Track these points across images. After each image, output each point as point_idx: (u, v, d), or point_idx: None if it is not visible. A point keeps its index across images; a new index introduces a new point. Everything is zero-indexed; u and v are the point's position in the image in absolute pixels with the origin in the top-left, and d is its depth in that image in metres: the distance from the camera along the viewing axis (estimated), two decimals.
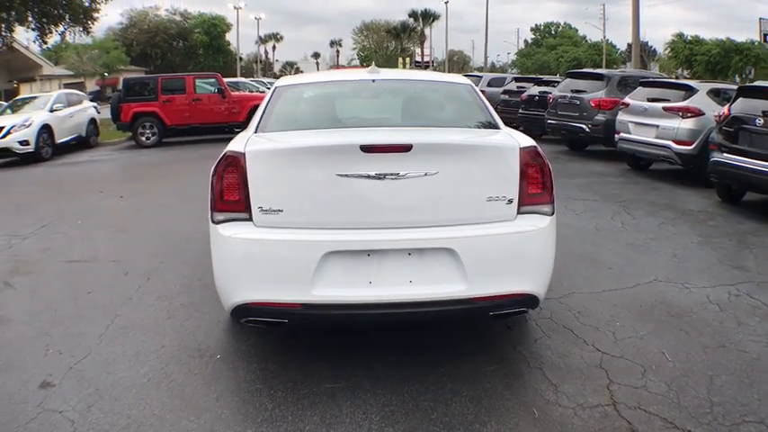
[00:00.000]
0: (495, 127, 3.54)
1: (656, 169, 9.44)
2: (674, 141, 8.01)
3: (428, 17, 63.53)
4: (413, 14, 64.55)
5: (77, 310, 4.28)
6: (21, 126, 13.11)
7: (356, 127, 3.63)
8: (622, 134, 9.10)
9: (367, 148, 2.88)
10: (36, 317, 4.16)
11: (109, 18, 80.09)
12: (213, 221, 3.05)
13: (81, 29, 22.49)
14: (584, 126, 10.88)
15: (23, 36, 23.66)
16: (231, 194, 2.98)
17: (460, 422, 2.77)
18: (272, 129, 3.45)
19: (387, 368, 3.27)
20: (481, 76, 19.92)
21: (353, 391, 3.03)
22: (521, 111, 14.10)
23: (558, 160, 10.87)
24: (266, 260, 2.93)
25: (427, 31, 64.81)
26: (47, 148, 13.50)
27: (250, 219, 2.96)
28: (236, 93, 16.33)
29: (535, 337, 3.65)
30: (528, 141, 3.19)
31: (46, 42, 23.08)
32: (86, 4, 21.82)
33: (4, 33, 20.74)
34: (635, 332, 3.67)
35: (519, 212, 3.04)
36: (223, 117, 15.09)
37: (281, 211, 2.93)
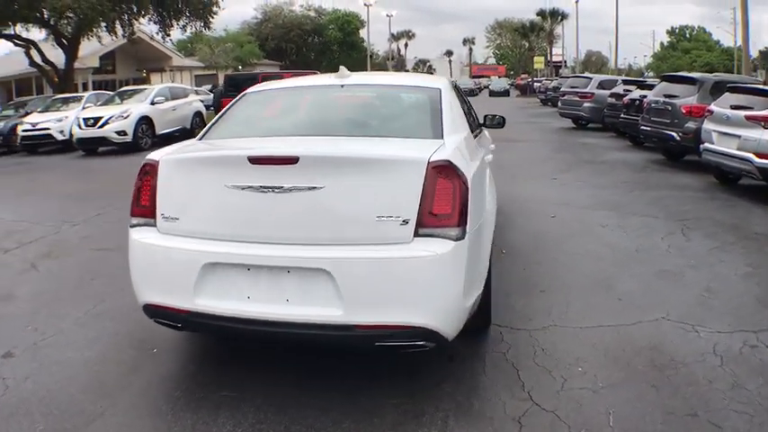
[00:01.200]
0: (439, 137, 3.14)
1: (746, 184, 8.09)
2: (755, 154, 6.79)
3: (556, 16, 61.08)
4: (540, 13, 62.41)
5: (73, 294, 4.58)
6: (118, 117, 13.98)
7: (290, 135, 3.42)
8: (706, 144, 7.91)
9: (254, 160, 2.76)
10: (37, 297, 4.54)
11: (243, 12, 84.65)
12: (129, 225, 3.14)
13: (201, 23, 23.58)
14: (674, 134, 9.66)
15: (153, 28, 25.21)
16: (144, 200, 3.06)
17: None
18: (217, 136, 3.54)
19: (292, 389, 3.02)
20: (591, 78, 18.65)
21: (240, 404, 2.89)
22: (622, 115, 12.99)
23: (645, 170, 9.75)
24: (159, 265, 2.98)
25: (559, 30, 62.55)
26: (146, 138, 14.33)
27: (155, 225, 3.00)
28: None
29: (471, 374, 3.12)
30: (442, 156, 2.75)
31: (168, 35, 24.55)
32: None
33: (125, 25, 22.18)
34: (593, 383, 3.01)
35: (416, 235, 2.64)
36: None
37: (178, 219, 2.93)
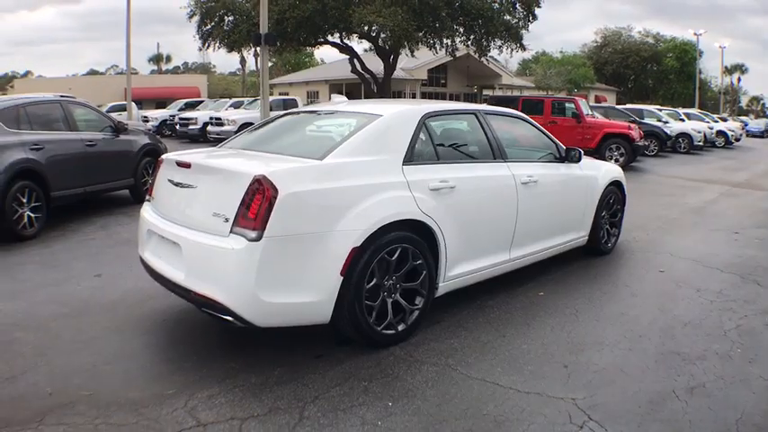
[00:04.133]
0: (319, 158, 3.68)
1: None
2: None
3: None
4: None
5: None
6: None
7: (250, 149, 4.30)
8: None
9: (178, 164, 3.89)
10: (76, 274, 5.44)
11: (583, 37, 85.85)
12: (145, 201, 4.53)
13: (516, 45, 23.89)
14: None
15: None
16: (150, 185, 4.52)
17: None
18: (228, 145, 4.67)
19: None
20: None
21: (161, 397, 3.20)
22: None
23: None
24: (139, 229, 4.32)
25: None
26: None
27: (150, 203, 4.31)
28: (592, 119, 15.93)
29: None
30: (262, 171, 3.36)
31: (484, 55, 24.94)
32: (513, 22, 23.35)
33: (441, 44, 23.75)
34: None
35: (231, 231, 3.35)
36: (575, 142, 14.75)
37: (154, 199, 4.24)
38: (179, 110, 26.05)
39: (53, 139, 7.31)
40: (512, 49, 24.31)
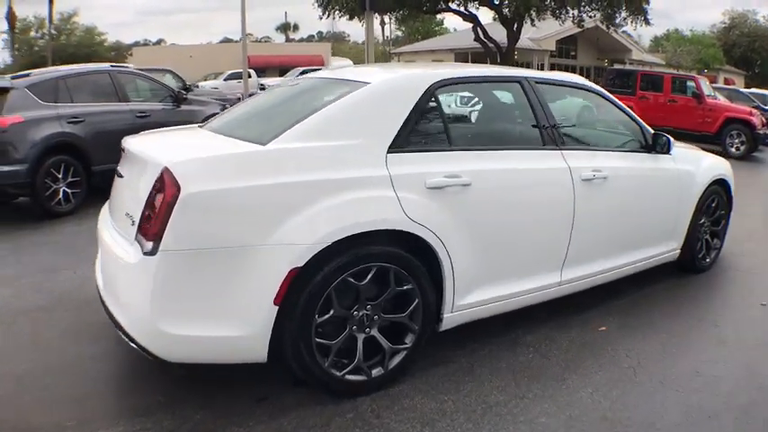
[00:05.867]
0: (264, 142, 2.74)
1: None
2: None
3: None
4: None
5: None
6: None
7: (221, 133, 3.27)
8: None
9: (122, 149, 3.22)
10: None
11: (713, 17, 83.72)
12: None
13: (641, 18, 22.50)
14: None
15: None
16: None
17: None
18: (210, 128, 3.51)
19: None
20: None
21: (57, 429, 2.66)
22: None
23: None
24: None
25: None
26: None
27: None
28: (713, 100, 13.60)
29: None
30: (170, 160, 2.50)
31: (612, 26, 24.33)
32: None
33: (572, 12, 22.72)
34: None
35: (135, 238, 2.54)
36: (695, 124, 13.15)
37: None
38: (296, 77, 26.09)
39: (96, 111, 6.95)
40: (636, 23, 22.82)
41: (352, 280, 2.70)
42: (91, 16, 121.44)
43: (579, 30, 26.48)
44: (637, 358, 3.33)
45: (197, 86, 15.05)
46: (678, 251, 4.47)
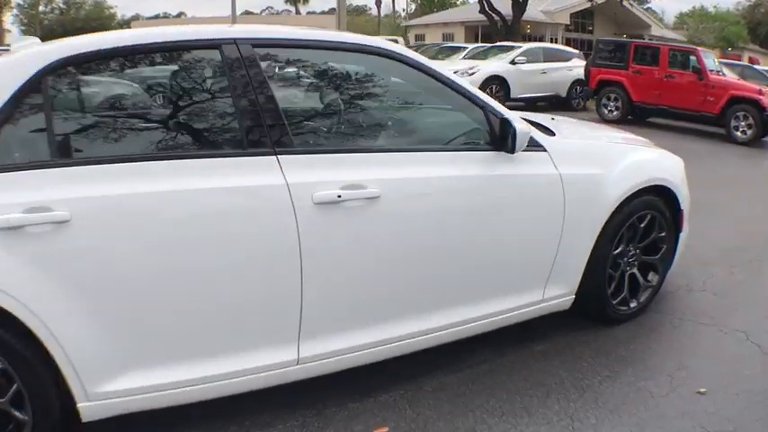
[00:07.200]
0: None
1: None
2: None
3: None
4: None
5: None
6: (463, 73, 12.87)
7: None
8: None
9: None
10: None
11: None
12: None
13: None
14: None
15: None
16: None
17: None
18: None
19: None
20: None
21: None
22: None
23: None
24: None
25: None
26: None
27: None
28: (717, 76, 11.79)
29: None
30: None
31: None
32: None
33: None
34: None
35: None
36: (695, 104, 11.53)
37: None
38: None
39: None
40: None
41: None
42: None
43: (594, 3, 25.07)
44: None
45: None
46: (571, 297, 3.02)
